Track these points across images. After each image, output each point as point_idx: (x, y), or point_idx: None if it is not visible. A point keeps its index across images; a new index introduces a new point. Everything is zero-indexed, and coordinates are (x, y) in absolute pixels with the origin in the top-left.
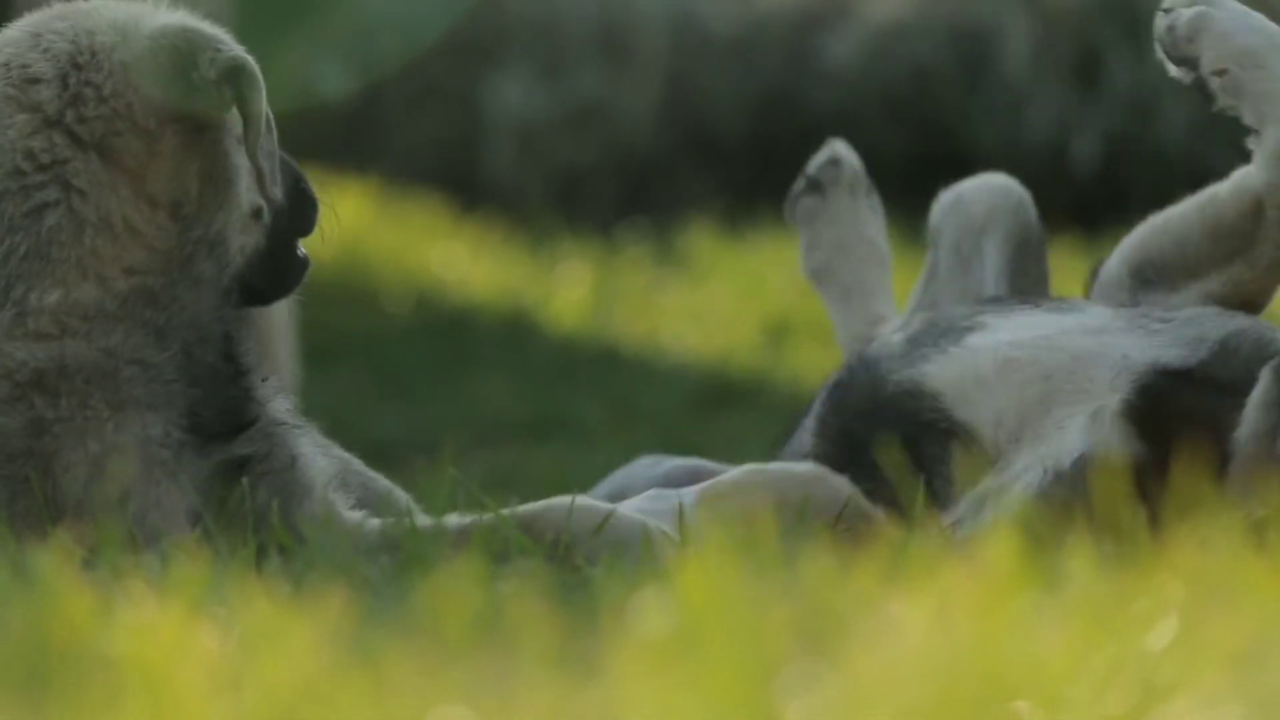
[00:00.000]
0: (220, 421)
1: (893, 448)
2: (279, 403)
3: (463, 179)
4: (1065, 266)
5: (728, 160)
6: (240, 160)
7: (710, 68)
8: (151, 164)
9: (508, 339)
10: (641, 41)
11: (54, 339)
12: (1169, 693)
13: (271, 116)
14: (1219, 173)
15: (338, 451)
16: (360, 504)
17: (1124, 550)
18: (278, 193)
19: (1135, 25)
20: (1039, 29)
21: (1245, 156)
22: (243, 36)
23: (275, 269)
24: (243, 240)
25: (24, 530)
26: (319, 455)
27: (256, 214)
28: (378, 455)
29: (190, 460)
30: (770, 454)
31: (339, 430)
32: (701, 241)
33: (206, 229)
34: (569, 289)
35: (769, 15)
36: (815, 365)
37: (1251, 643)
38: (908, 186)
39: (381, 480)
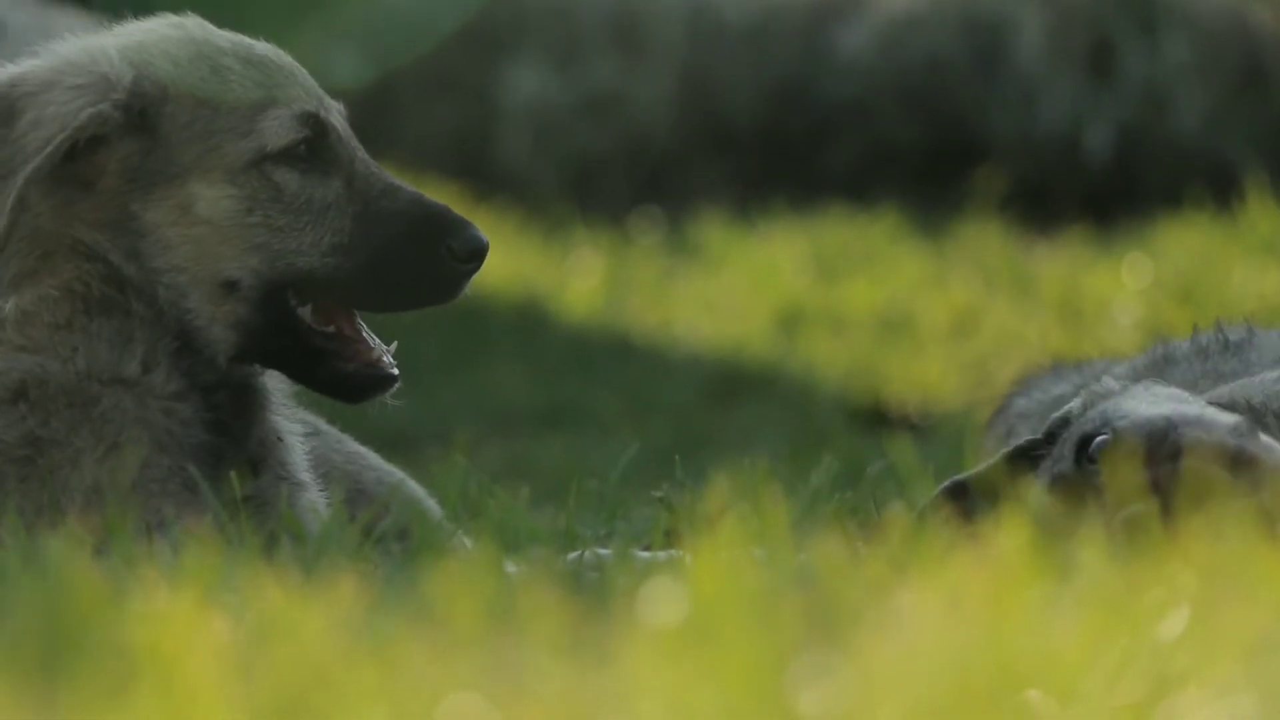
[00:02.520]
0: (234, 462)
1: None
2: (296, 452)
3: (477, 168)
4: (1078, 256)
5: (742, 150)
6: (157, 219)
7: (725, 58)
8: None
9: (520, 328)
10: (656, 31)
11: (27, 353)
12: (1181, 683)
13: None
14: (1231, 163)
15: (352, 446)
16: (368, 494)
17: (1136, 541)
18: None
19: (1148, 16)
20: (1052, 20)
21: (1258, 148)
22: (257, 24)
23: (297, 357)
24: (209, 309)
25: (31, 510)
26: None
27: (228, 287)
28: (390, 444)
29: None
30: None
31: (352, 419)
32: (714, 231)
33: (119, 272)
34: (582, 278)
35: (784, 6)
36: (827, 354)
37: (1263, 633)
38: (921, 176)
39: (396, 472)
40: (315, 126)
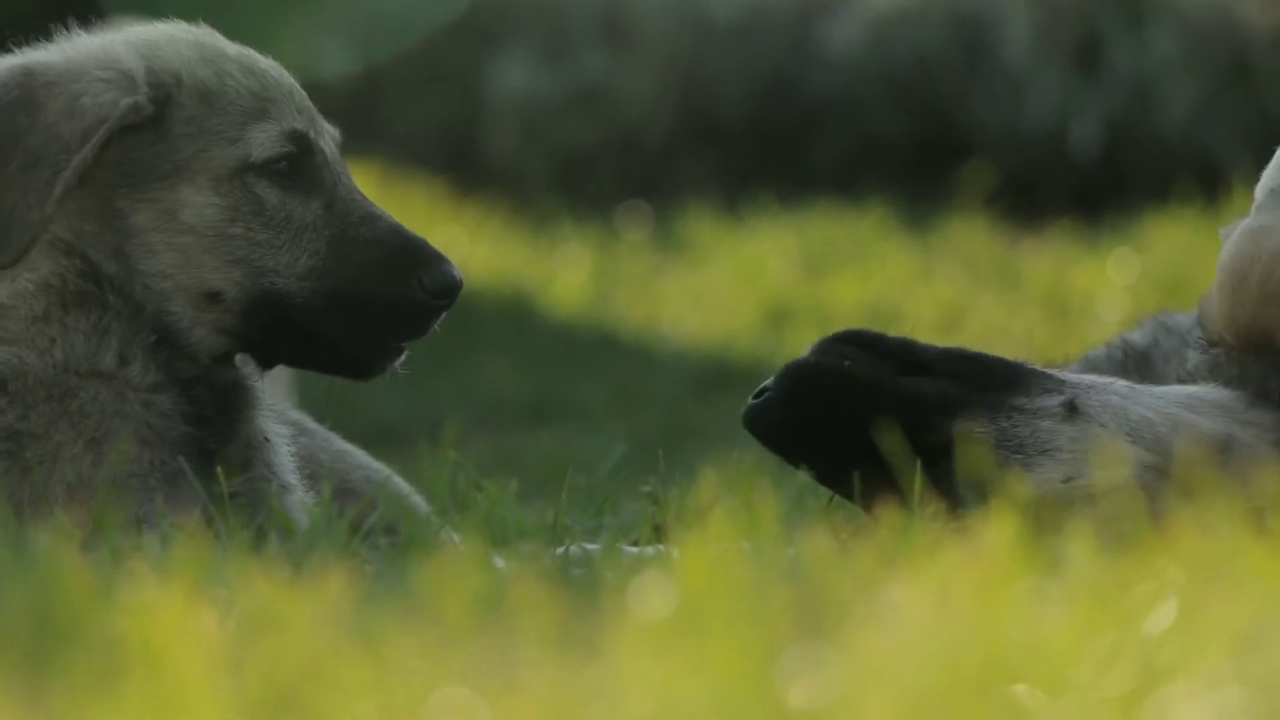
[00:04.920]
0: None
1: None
2: (283, 455)
3: (464, 161)
4: (1064, 251)
5: (730, 145)
6: (144, 223)
7: (713, 52)
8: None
9: (508, 322)
10: (645, 25)
11: (5, 344)
12: (1169, 675)
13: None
14: (1218, 158)
15: (339, 444)
16: (356, 492)
17: (1124, 534)
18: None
19: (1135, 11)
20: (1039, 15)
21: (1245, 142)
22: (246, 17)
23: (294, 344)
24: (192, 314)
25: (15, 504)
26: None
27: (212, 297)
28: (379, 438)
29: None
30: None
31: (340, 413)
32: (701, 225)
33: (97, 268)
34: (569, 272)
35: (772, 1)
36: None
37: (1251, 625)
38: (908, 171)
39: (383, 469)
40: (301, 145)
